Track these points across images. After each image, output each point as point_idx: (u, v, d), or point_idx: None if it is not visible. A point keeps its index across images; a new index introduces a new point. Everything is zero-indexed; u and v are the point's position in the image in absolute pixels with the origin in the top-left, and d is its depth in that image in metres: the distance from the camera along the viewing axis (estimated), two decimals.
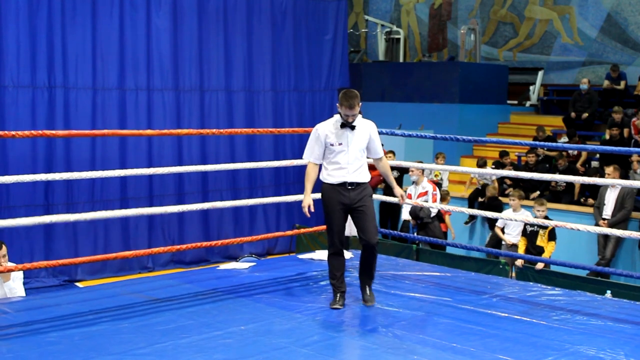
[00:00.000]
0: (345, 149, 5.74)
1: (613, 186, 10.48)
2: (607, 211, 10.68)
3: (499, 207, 11.51)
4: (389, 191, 12.37)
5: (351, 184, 5.74)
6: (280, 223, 12.74)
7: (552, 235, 9.16)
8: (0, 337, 4.85)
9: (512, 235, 10.04)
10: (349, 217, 5.82)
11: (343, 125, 5.75)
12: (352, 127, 5.75)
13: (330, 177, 5.77)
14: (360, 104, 5.72)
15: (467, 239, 12.64)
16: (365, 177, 5.81)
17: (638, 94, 14.96)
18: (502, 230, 10.27)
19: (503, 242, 10.15)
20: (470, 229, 12.74)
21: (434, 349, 4.78)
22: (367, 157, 5.93)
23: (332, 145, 5.73)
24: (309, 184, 5.82)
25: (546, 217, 9.13)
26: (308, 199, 5.76)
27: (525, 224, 9.39)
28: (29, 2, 9.91)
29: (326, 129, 5.79)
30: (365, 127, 5.86)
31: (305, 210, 5.73)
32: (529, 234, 9.29)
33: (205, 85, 11.81)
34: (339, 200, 5.72)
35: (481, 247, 8.80)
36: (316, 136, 5.80)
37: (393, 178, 6.16)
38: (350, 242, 7.89)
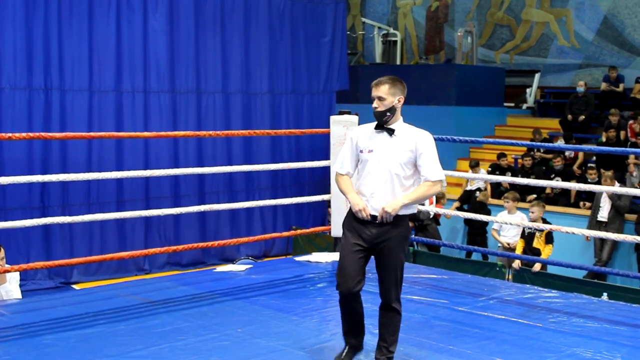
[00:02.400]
0: (376, 159, 4.34)
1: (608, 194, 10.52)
2: (603, 213, 10.69)
3: (486, 214, 11.38)
4: None
5: (375, 216, 4.30)
6: (277, 225, 12.73)
7: (549, 238, 9.17)
8: None
9: (508, 237, 10.05)
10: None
11: (379, 127, 4.40)
12: (390, 132, 4.37)
13: None
14: (402, 98, 4.37)
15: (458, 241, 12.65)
16: (407, 207, 4.32)
17: (635, 97, 14.99)
18: (498, 232, 10.28)
19: (499, 244, 10.16)
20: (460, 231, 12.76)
21: (431, 352, 4.78)
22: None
23: (361, 151, 4.39)
24: (347, 196, 4.41)
25: (544, 220, 9.14)
26: (356, 202, 4.33)
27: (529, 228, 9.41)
28: (26, 4, 9.89)
29: (361, 130, 4.49)
30: (412, 136, 4.35)
31: (362, 214, 4.29)
32: (527, 235, 9.30)
33: (202, 88, 11.80)
34: (358, 235, 4.35)
35: (479, 248, 8.76)
36: (349, 138, 4.51)
37: (416, 196, 4.35)
38: None
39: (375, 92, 4.34)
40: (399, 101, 4.37)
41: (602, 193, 10.70)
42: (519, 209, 10.26)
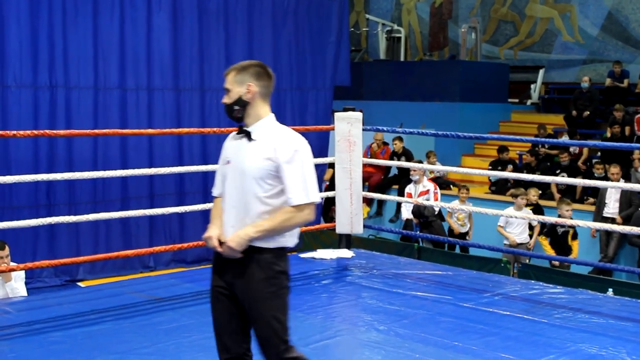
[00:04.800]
0: (231, 173, 3.47)
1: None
2: (610, 209, 10.67)
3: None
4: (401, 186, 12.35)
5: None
6: None
7: (575, 235, 9.22)
8: (3, 337, 4.86)
9: (516, 233, 10.02)
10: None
11: (240, 129, 3.53)
12: (249, 135, 3.48)
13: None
14: (253, 85, 3.48)
15: None
16: (267, 238, 3.37)
17: None
18: (504, 229, 10.26)
19: (505, 241, 10.12)
20: None
21: (436, 348, 4.78)
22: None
23: (225, 162, 3.54)
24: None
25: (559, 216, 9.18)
26: (208, 229, 3.66)
27: (554, 226, 9.40)
28: (30, 2, 9.90)
29: (230, 136, 3.64)
30: (273, 140, 3.44)
31: (208, 244, 3.62)
32: (561, 235, 9.31)
33: (206, 85, 11.79)
34: (219, 275, 3.63)
35: (485, 244, 8.73)
36: (223, 147, 3.64)
37: (270, 225, 3.36)
38: (352, 241, 7.90)
39: (225, 84, 3.56)
40: (249, 90, 3.47)
41: (606, 190, 10.68)
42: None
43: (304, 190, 3.36)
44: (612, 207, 10.65)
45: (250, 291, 3.38)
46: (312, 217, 3.44)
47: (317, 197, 3.43)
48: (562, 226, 9.17)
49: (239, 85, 3.48)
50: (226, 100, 3.52)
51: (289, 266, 3.48)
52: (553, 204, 11.30)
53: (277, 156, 3.36)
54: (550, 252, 9.59)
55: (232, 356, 3.55)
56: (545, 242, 9.76)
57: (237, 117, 3.50)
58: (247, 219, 3.39)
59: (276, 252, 3.41)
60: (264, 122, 3.52)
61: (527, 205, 10.48)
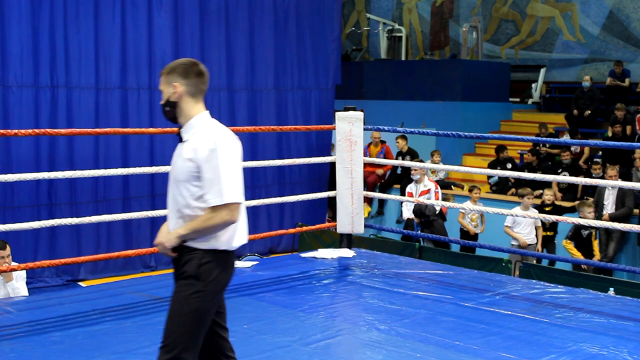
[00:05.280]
0: (170, 176, 3.52)
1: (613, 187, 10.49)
2: (608, 210, 10.66)
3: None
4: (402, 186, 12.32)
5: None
6: (284, 222, 12.73)
7: (595, 235, 9.25)
8: (4, 337, 4.86)
9: (524, 234, 9.98)
10: None
11: (178, 132, 3.53)
12: (181, 138, 3.49)
13: None
14: (179, 84, 3.46)
15: None
16: (198, 239, 3.38)
17: None
18: (511, 229, 10.17)
19: (513, 242, 10.05)
20: None
21: (437, 347, 4.78)
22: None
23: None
24: None
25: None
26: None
27: (578, 229, 9.39)
28: (32, 2, 9.91)
29: None
30: (196, 140, 3.41)
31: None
32: (585, 238, 9.29)
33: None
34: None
35: (487, 244, 8.71)
36: None
37: (194, 226, 3.35)
38: (353, 241, 7.90)
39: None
40: (175, 90, 3.46)
41: (604, 188, 10.66)
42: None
43: (219, 191, 3.32)
44: (610, 208, 10.65)
45: (176, 287, 3.41)
46: (232, 218, 3.35)
47: (236, 197, 3.36)
48: (586, 228, 9.16)
49: (167, 86, 3.49)
50: (161, 102, 3.54)
51: (225, 270, 3.43)
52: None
53: (197, 156, 3.34)
54: (578, 255, 9.49)
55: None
56: (570, 246, 9.64)
57: (170, 118, 3.52)
58: (182, 223, 3.41)
59: (207, 254, 3.38)
60: (193, 121, 3.49)
61: (546, 206, 10.41)
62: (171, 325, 3.33)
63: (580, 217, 9.20)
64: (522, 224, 9.98)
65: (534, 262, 9.08)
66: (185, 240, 3.38)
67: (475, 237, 10.98)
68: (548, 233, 10.43)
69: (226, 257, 3.44)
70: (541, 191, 11.45)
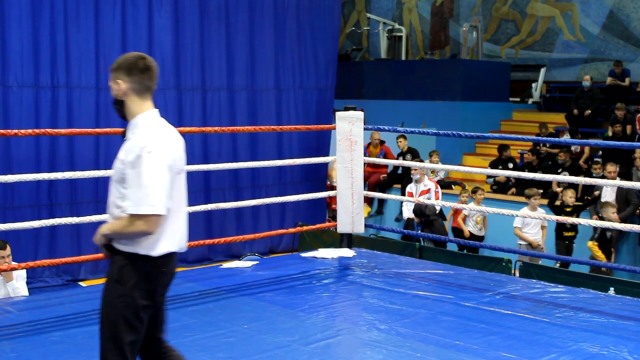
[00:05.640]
0: None
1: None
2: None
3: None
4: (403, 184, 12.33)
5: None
6: (284, 222, 12.73)
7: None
8: (4, 337, 4.86)
9: (532, 234, 9.96)
10: None
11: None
12: (123, 134, 3.43)
13: None
14: (122, 81, 3.35)
15: None
16: (120, 241, 3.30)
17: None
18: (521, 230, 10.14)
19: (520, 242, 10.02)
20: None
21: (437, 347, 4.78)
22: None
23: None
24: None
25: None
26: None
27: (604, 230, 9.37)
28: (32, 2, 9.91)
29: None
30: (127, 146, 3.30)
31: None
32: (609, 239, 9.29)
33: (207, 84, 11.80)
34: None
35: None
36: None
37: (114, 228, 3.30)
38: (353, 240, 7.89)
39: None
40: (120, 87, 3.36)
41: (602, 188, 10.66)
42: (523, 203, 10.25)
43: (137, 200, 3.18)
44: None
45: (104, 295, 3.35)
46: (148, 229, 3.21)
47: (155, 209, 3.19)
48: (610, 230, 9.16)
49: (113, 82, 3.39)
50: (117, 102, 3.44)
51: (148, 277, 3.32)
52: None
53: (126, 159, 3.24)
54: (602, 257, 9.42)
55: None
56: (595, 247, 9.58)
57: (120, 116, 3.43)
58: (112, 217, 3.36)
59: (129, 257, 3.29)
60: (137, 120, 3.37)
61: (567, 206, 10.39)
62: (102, 331, 3.30)
63: (604, 217, 9.18)
64: (531, 224, 9.95)
65: (539, 262, 9.07)
66: (111, 240, 3.32)
67: (481, 238, 10.96)
68: (569, 233, 10.36)
69: (150, 264, 3.31)
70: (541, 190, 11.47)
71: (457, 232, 11.17)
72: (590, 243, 9.52)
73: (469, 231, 11.01)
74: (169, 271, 3.44)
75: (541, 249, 9.97)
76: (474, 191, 10.98)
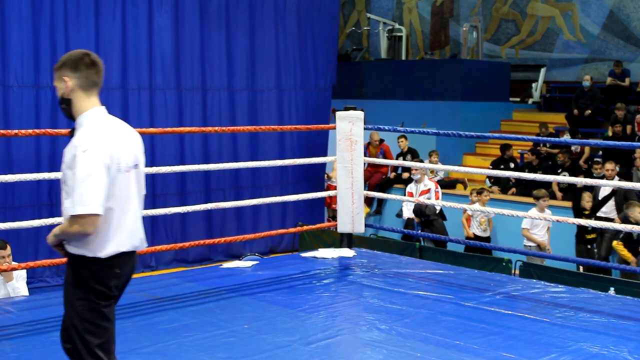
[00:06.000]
0: None
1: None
2: (604, 208, 10.65)
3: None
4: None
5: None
6: (285, 221, 12.74)
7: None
8: (4, 337, 4.86)
9: (540, 235, 9.94)
10: None
11: None
12: (72, 132, 3.35)
13: None
14: (69, 78, 3.28)
15: None
16: (71, 243, 3.28)
17: None
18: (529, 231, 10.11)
19: (526, 243, 10.00)
20: None
21: (438, 347, 4.78)
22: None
23: None
24: None
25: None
26: None
27: (631, 231, 9.35)
28: (32, 2, 9.91)
29: None
30: (70, 142, 3.25)
31: None
32: (635, 239, 9.25)
33: (207, 84, 11.81)
34: None
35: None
36: None
37: (60, 229, 3.28)
38: (353, 240, 7.89)
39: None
40: (66, 85, 3.28)
41: (600, 188, 10.65)
42: (530, 204, 10.22)
43: (72, 201, 3.15)
44: (606, 206, 10.64)
45: (64, 297, 3.34)
46: (85, 230, 3.16)
47: (90, 209, 3.12)
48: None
49: (59, 81, 3.31)
50: (58, 100, 3.36)
51: (98, 279, 3.26)
52: (555, 202, 11.29)
53: (65, 160, 3.21)
54: (629, 256, 9.29)
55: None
56: (621, 247, 9.52)
57: (67, 116, 3.34)
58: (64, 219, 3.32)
59: (78, 260, 3.26)
60: (82, 118, 3.30)
61: (585, 210, 10.34)
62: (72, 337, 3.31)
63: (630, 216, 9.15)
64: (540, 226, 9.92)
65: (542, 262, 9.06)
66: (62, 241, 3.29)
67: (487, 239, 10.94)
68: (592, 236, 10.35)
69: (101, 265, 3.26)
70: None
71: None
72: (615, 243, 9.46)
73: (473, 233, 10.97)
74: (123, 272, 3.37)
75: (548, 250, 9.95)
76: (480, 192, 10.88)
